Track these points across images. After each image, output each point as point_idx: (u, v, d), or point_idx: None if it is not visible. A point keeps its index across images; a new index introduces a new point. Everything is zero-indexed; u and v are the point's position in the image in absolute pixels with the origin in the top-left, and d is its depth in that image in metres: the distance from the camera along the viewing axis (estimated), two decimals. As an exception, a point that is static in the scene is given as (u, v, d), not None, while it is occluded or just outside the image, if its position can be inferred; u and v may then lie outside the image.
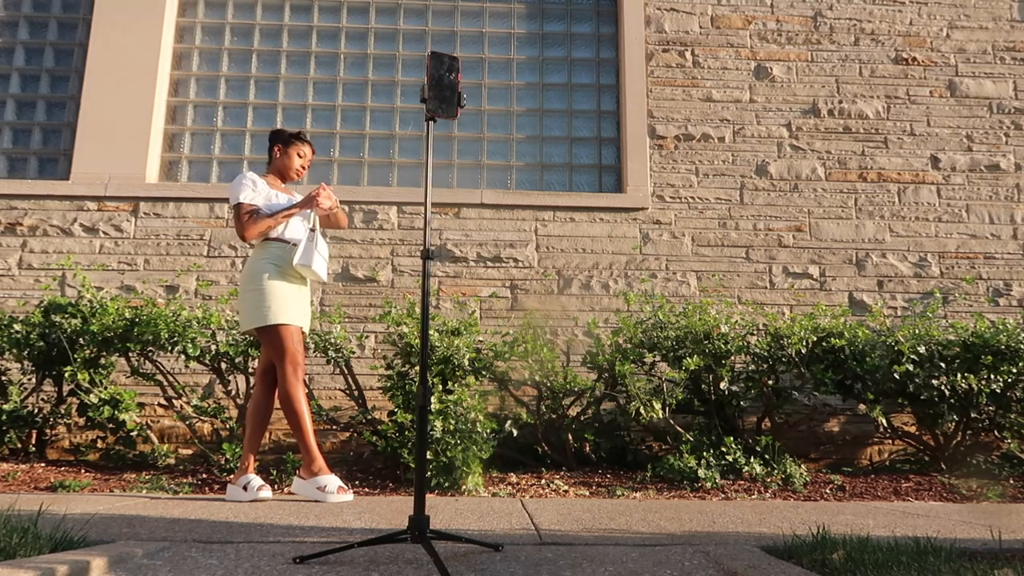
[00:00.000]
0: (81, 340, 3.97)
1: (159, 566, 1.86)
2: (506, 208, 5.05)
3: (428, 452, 3.43)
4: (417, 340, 3.88)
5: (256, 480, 3.20)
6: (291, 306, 3.23)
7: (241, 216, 3.31)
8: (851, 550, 1.95)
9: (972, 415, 4.12)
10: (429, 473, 3.51)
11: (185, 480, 3.71)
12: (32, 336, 3.97)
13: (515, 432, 4.01)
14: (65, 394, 4.15)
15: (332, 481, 3.19)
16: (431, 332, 3.91)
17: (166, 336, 3.92)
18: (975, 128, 5.32)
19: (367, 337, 4.79)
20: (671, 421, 4.07)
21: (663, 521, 2.74)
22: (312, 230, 3.29)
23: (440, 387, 3.75)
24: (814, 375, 4.03)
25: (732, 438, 3.91)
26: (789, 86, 5.32)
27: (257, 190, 3.35)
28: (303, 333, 3.32)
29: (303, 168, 3.51)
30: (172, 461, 4.08)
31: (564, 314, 4.91)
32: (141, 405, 4.24)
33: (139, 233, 4.89)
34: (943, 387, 3.99)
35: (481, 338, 4.22)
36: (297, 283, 3.31)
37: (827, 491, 3.73)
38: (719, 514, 2.94)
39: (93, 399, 3.90)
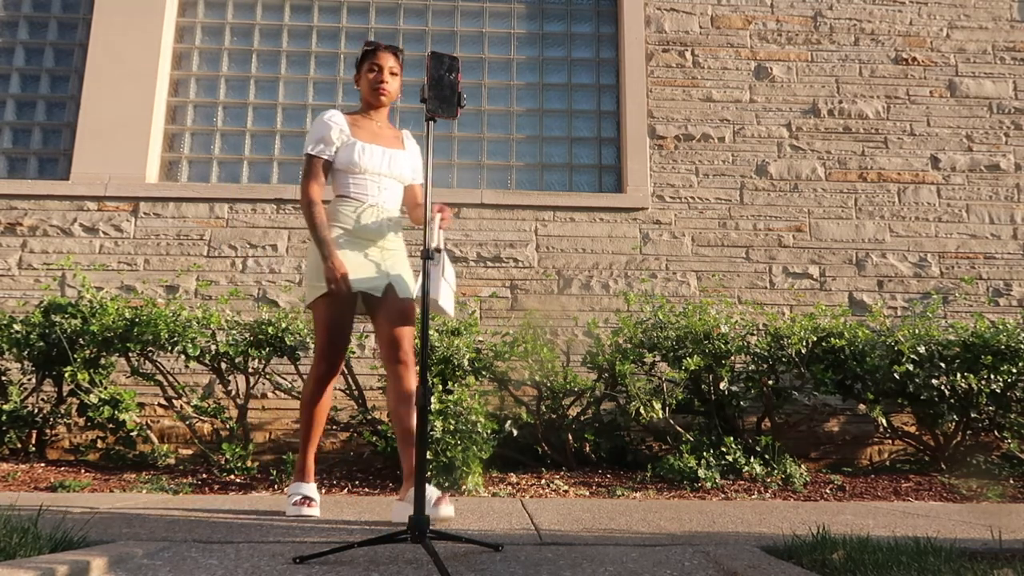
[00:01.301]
0: (81, 340, 3.97)
1: (159, 566, 1.86)
2: (506, 208, 5.05)
3: (428, 452, 3.43)
4: (417, 341, 3.88)
5: (433, 492, 2.55)
6: (355, 287, 2.66)
7: (306, 171, 2.74)
8: (851, 550, 1.95)
9: (972, 415, 4.12)
10: (429, 473, 3.51)
11: (185, 480, 3.71)
12: (32, 336, 3.97)
13: (515, 432, 4.01)
14: (65, 394, 4.15)
15: (298, 492, 2.75)
16: (431, 332, 3.91)
17: (166, 336, 3.92)
18: (975, 128, 5.32)
19: (367, 337, 4.79)
20: (671, 421, 4.07)
21: (663, 521, 2.74)
22: (438, 250, 2.45)
23: (440, 387, 3.75)
24: (814, 375, 4.03)
25: (732, 438, 3.91)
26: (789, 86, 5.32)
27: (332, 138, 2.73)
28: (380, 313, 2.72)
29: (383, 82, 2.77)
30: (172, 461, 4.08)
31: (564, 314, 4.91)
32: (141, 405, 4.24)
33: (139, 233, 4.89)
34: (943, 387, 3.99)
35: (481, 338, 4.22)
36: (371, 247, 2.74)
37: (827, 491, 3.73)
38: (719, 514, 2.94)
39: (93, 399, 3.90)
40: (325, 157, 2.73)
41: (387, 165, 2.78)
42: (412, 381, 2.73)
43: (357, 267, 2.69)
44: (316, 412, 2.78)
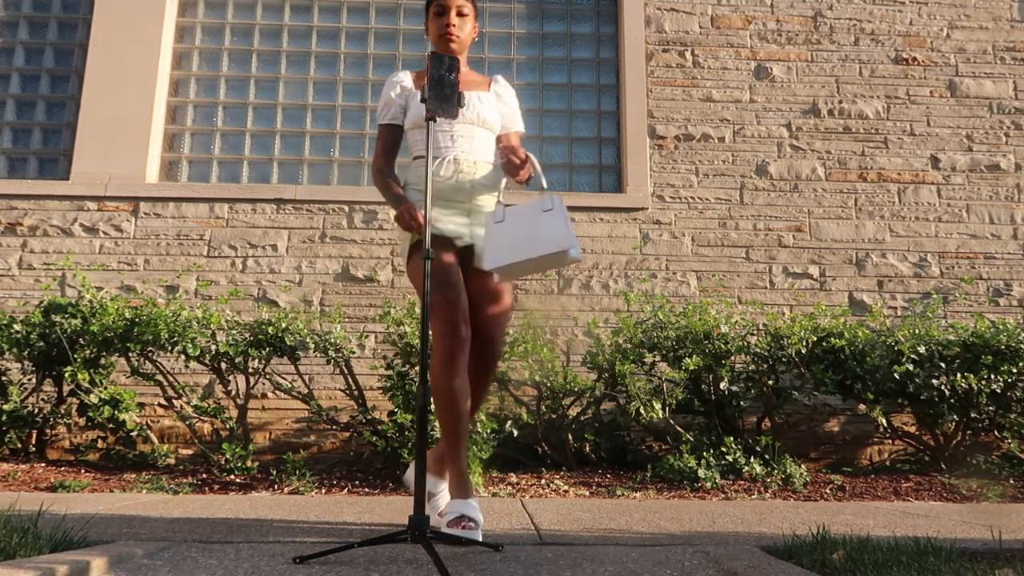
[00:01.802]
0: (81, 340, 3.97)
1: (159, 566, 1.86)
2: (506, 208, 5.04)
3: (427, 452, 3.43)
4: (417, 340, 3.88)
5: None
6: (438, 233, 2.30)
7: (377, 141, 2.47)
8: (851, 550, 1.95)
9: (972, 415, 4.12)
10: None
11: (185, 480, 3.71)
12: (32, 336, 3.97)
13: (515, 432, 4.01)
14: (65, 394, 4.15)
15: (458, 511, 2.20)
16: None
17: (166, 336, 3.92)
18: (975, 128, 5.32)
19: (367, 337, 4.79)
20: (671, 421, 4.07)
21: (663, 521, 2.74)
22: (505, 203, 2.23)
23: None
24: (814, 375, 4.03)
25: (732, 438, 3.91)
26: (789, 86, 5.32)
27: (393, 98, 2.45)
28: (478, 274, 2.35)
29: (450, 26, 2.42)
30: (172, 461, 4.08)
31: (564, 314, 4.91)
32: (141, 405, 4.24)
33: (139, 233, 4.89)
34: (943, 387, 3.99)
35: (481, 338, 4.21)
36: (453, 209, 2.39)
37: (827, 491, 3.73)
38: (719, 514, 2.94)
39: (93, 399, 3.90)
40: (389, 120, 2.45)
41: (461, 110, 2.29)
42: (487, 380, 2.37)
43: (437, 215, 2.34)
44: (459, 399, 2.22)
